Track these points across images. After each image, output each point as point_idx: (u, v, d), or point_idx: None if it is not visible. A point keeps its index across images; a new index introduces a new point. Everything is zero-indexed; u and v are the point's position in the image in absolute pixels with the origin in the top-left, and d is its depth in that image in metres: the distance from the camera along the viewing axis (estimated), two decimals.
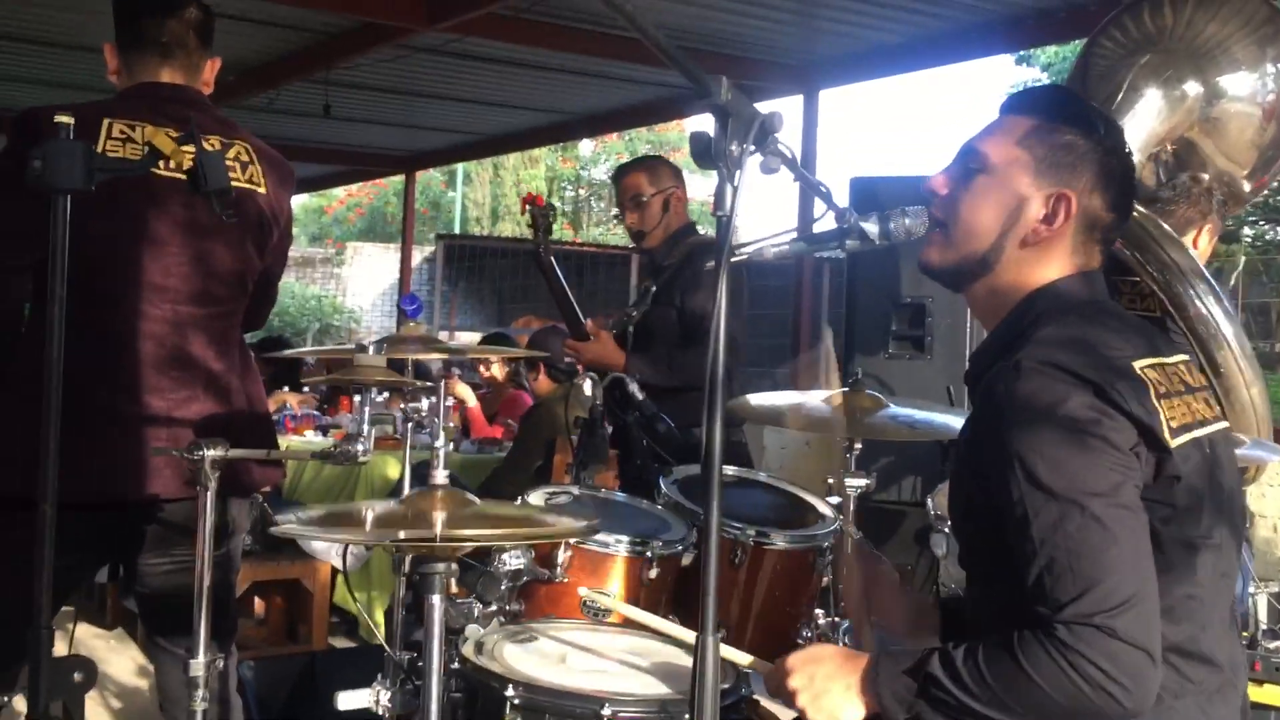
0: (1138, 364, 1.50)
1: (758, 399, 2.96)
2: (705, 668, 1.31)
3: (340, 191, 21.99)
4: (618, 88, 7.24)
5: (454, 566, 1.71)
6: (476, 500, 1.70)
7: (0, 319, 2.42)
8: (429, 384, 2.07)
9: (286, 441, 5.27)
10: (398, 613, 2.22)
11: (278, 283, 2.69)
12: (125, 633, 5.02)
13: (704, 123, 1.39)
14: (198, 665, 1.97)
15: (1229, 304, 2.47)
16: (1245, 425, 2.51)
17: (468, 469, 5.24)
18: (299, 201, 22.37)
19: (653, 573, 2.36)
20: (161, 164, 2.25)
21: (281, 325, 16.57)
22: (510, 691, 1.70)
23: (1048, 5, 5.22)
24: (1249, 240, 12.44)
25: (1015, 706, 1.40)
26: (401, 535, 1.67)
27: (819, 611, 2.63)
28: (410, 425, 2.37)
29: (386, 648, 2.03)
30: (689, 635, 1.75)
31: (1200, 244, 2.85)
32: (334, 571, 4.72)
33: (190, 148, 2.17)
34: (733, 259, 1.38)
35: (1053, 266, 1.63)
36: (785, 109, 1.45)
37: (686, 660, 1.67)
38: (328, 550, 4.56)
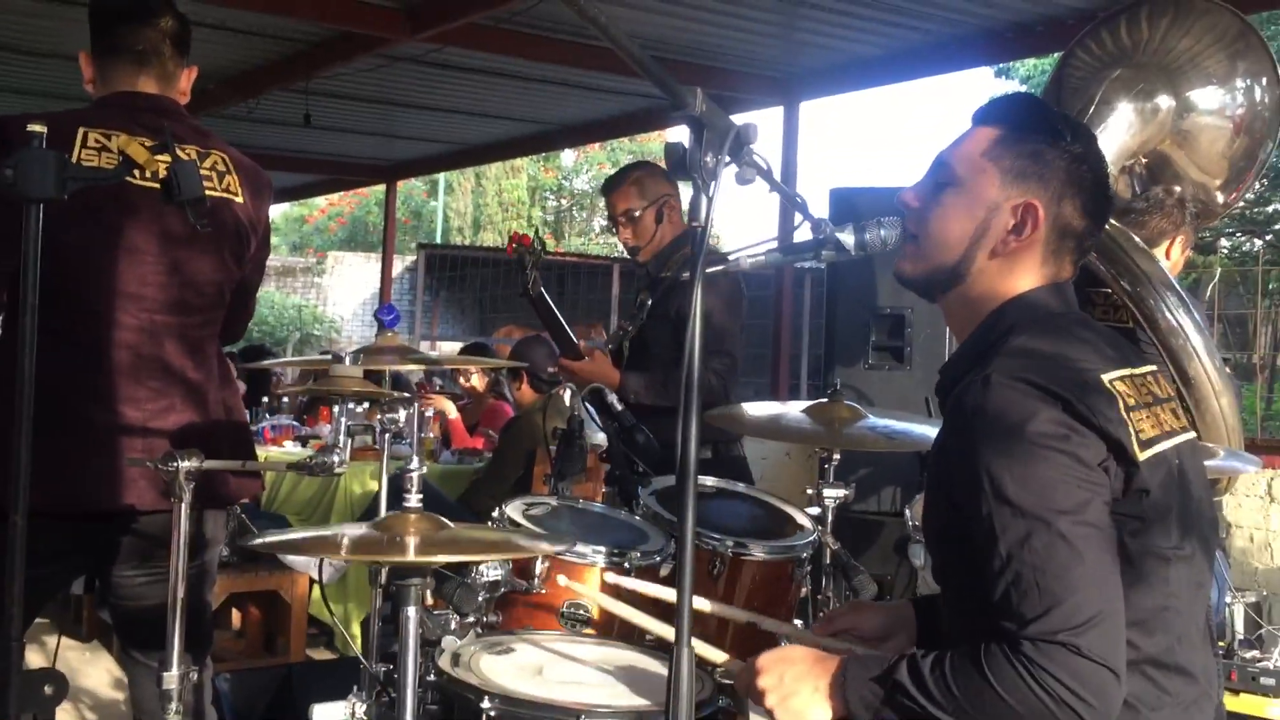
0: (1107, 376, 1.51)
1: (729, 409, 2.97)
2: (681, 679, 1.31)
3: (321, 201, 21.94)
4: (599, 98, 7.25)
5: (429, 579, 1.71)
6: (450, 524, 1.69)
7: None
8: (406, 395, 2.06)
9: (265, 452, 5.24)
10: (374, 624, 2.22)
11: (255, 293, 2.67)
12: (101, 644, 4.99)
13: (685, 133, 1.39)
14: (171, 678, 1.96)
15: (1200, 315, 2.49)
16: (1216, 436, 2.53)
17: (448, 479, 5.23)
18: (279, 210, 22.28)
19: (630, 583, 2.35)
20: (136, 173, 2.24)
21: (261, 335, 16.49)
22: (486, 703, 1.70)
23: (1025, 19, 5.25)
24: (1225, 252, 12.54)
25: (979, 718, 1.41)
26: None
27: (798, 622, 2.63)
28: (388, 436, 2.37)
29: (363, 660, 2.02)
30: (667, 630, 1.75)
31: (1173, 255, 2.88)
32: (312, 583, 4.69)
33: (165, 157, 2.16)
34: (709, 270, 1.39)
35: (1024, 277, 1.63)
36: (766, 120, 1.46)
37: (662, 671, 1.66)
38: (306, 562, 4.53)
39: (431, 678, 1.83)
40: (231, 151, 2.48)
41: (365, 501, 4.86)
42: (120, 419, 2.28)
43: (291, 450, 5.54)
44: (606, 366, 3.45)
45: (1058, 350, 1.52)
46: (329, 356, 2.12)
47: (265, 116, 7.69)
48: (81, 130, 2.27)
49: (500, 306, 16.53)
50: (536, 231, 3.43)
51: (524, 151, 10.87)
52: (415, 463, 1.67)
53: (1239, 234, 12.71)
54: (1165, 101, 2.66)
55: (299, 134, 8.19)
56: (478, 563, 2.11)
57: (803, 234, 1.71)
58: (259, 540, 1.80)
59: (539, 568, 2.29)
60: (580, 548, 2.31)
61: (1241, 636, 3.66)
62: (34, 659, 1.98)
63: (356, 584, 4.68)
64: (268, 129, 8.24)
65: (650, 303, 3.52)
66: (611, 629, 2.36)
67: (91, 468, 2.25)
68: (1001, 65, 13.78)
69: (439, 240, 21.53)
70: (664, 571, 2.43)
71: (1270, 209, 12.73)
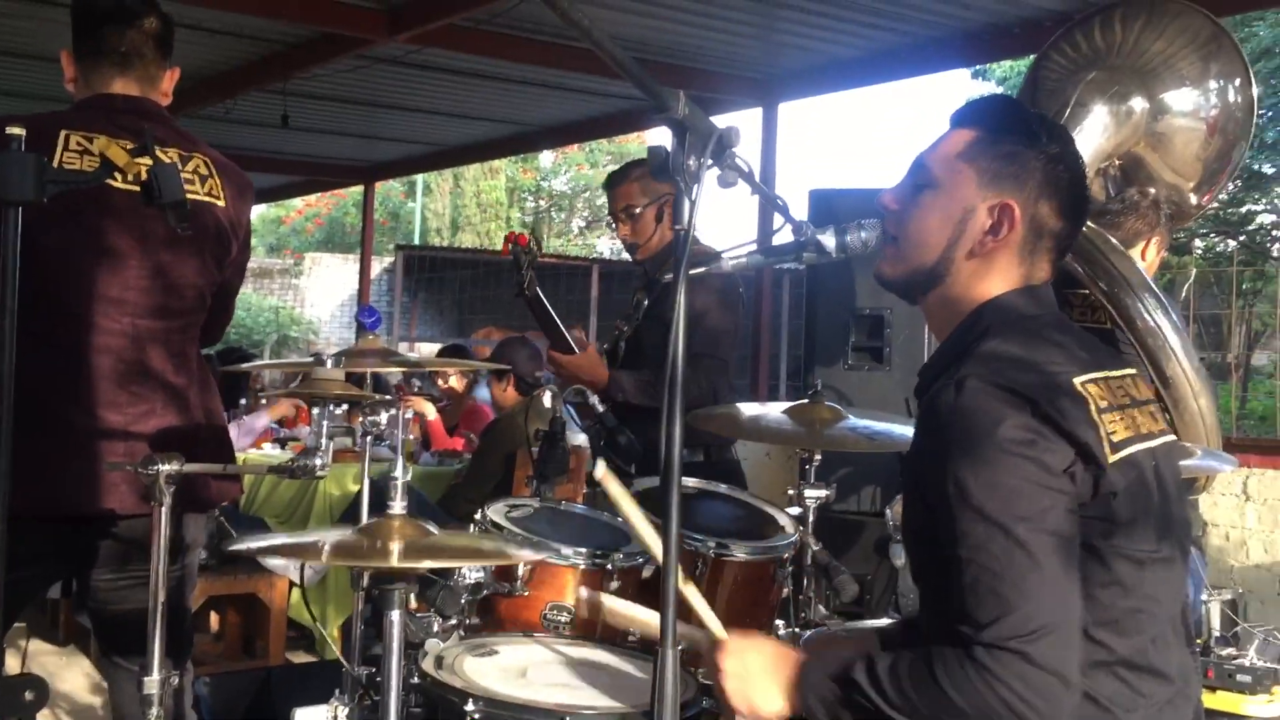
0: (1078, 379, 1.52)
1: (722, 410, 2.97)
2: (665, 680, 1.32)
3: (299, 202, 21.84)
4: (578, 99, 7.25)
5: (413, 583, 1.71)
6: (435, 530, 1.69)
7: None
8: (387, 398, 2.06)
9: (244, 455, 5.22)
10: (356, 627, 2.21)
11: (235, 296, 2.66)
12: (78, 649, 4.95)
13: (666, 135, 1.40)
14: (152, 682, 1.95)
15: (1177, 316, 2.51)
16: (1195, 435, 2.55)
17: (428, 481, 5.22)
18: (256, 211, 22.10)
19: (613, 585, 2.36)
20: (119, 176, 2.23)
21: (239, 337, 16.40)
22: (470, 706, 1.70)
23: (1002, 21, 5.29)
24: (1200, 252, 12.64)
25: (931, 719, 1.43)
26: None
27: (779, 622, 2.64)
28: (368, 439, 2.37)
29: (345, 663, 2.02)
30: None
31: (1149, 256, 2.90)
32: (291, 586, 4.67)
33: (145, 160, 2.15)
34: (692, 271, 1.40)
35: (1001, 277, 1.64)
36: (744, 121, 1.47)
37: (646, 673, 1.67)
38: (285, 565, 4.52)
39: (415, 680, 1.83)
40: (214, 154, 2.47)
41: (345, 504, 4.84)
42: (102, 423, 2.27)
43: (270, 453, 5.52)
44: (597, 363, 3.42)
45: (1029, 354, 1.54)
46: (311, 359, 2.12)
47: (243, 117, 7.65)
48: (64, 133, 2.26)
49: (479, 308, 16.49)
50: (533, 231, 3.40)
51: (503, 153, 10.86)
52: (400, 469, 1.67)
53: (1213, 235, 12.82)
54: (1139, 104, 2.68)
55: (277, 135, 8.15)
56: (462, 566, 2.11)
57: (783, 236, 1.72)
58: (242, 545, 1.80)
59: (521, 570, 2.29)
60: (563, 549, 2.32)
61: (1218, 634, 3.69)
62: (8, 663, 1.96)
63: (336, 587, 4.66)
64: (245, 130, 8.20)
65: (647, 303, 3.49)
66: (594, 631, 2.36)
67: (72, 471, 2.24)
68: (978, 67, 13.86)
69: (417, 241, 21.47)
70: (646, 574, 2.43)
71: (1244, 210, 12.84)
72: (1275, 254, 13.15)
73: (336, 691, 1.98)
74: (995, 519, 1.42)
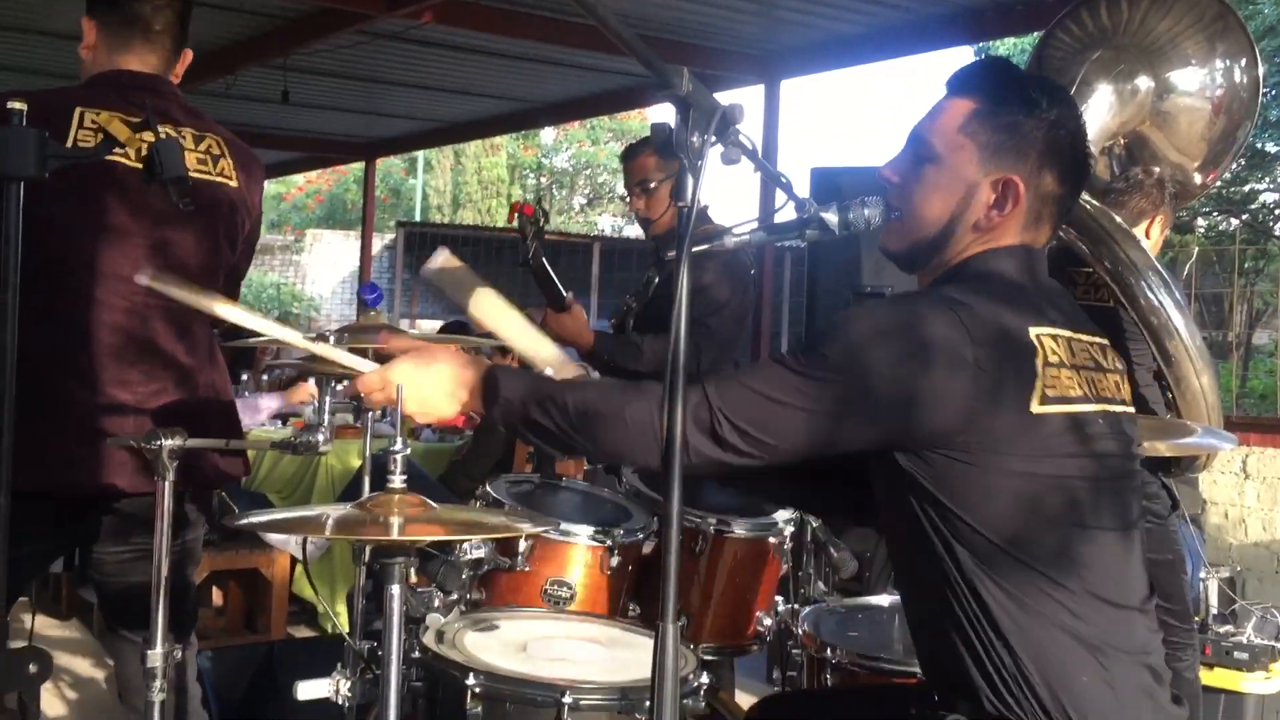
0: (1035, 330, 1.54)
1: None
2: (665, 654, 1.32)
3: (299, 178, 21.75)
4: (580, 76, 7.22)
5: (413, 557, 1.72)
6: (434, 504, 1.70)
7: None
8: None
9: (246, 432, 5.22)
10: (358, 602, 2.22)
11: (243, 278, 2.67)
12: (80, 623, 4.98)
13: (667, 112, 1.39)
14: (155, 656, 1.96)
15: (1180, 295, 2.50)
16: (1196, 413, 2.55)
17: (429, 458, 5.23)
18: None
19: (614, 561, 2.37)
20: (131, 153, 2.22)
21: None
22: (471, 680, 1.71)
23: None
24: (1202, 231, 12.62)
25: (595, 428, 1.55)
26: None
27: (779, 598, 2.65)
28: (370, 415, 2.37)
29: (346, 637, 2.03)
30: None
31: (1152, 235, 2.90)
32: (293, 561, 4.69)
33: (148, 135, 2.14)
34: (695, 249, 1.40)
35: (995, 240, 1.65)
36: (746, 98, 1.47)
37: (646, 646, 1.68)
38: (287, 540, 4.53)
39: (416, 655, 1.84)
40: (226, 134, 2.47)
41: (346, 479, 4.85)
42: (107, 399, 2.27)
43: (272, 428, 5.53)
44: (582, 324, 3.40)
45: (986, 301, 1.55)
46: (313, 336, 2.11)
47: (243, 93, 7.62)
48: (79, 110, 2.25)
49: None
50: (539, 201, 3.39)
51: (504, 129, 10.83)
52: (400, 444, 1.68)
53: (1216, 213, 12.80)
54: (1145, 83, 2.67)
55: (277, 111, 8.12)
56: (462, 541, 2.12)
57: (786, 213, 1.71)
58: (245, 520, 1.81)
59: (522, 545, 2.30)
60: (564, 525, 2.33)
61: (1215, 611, 3.72)
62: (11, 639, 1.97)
63: (338, 562, 4.68)
64: (245, 106, 8.17)
65: (657, 280, 3.48)
66: (594, 606, 2.37)
67: (77, 448, 2.25)
68: (982, 44, 13.80)
69: (418, 218, 21.42)
70: (647, 549, 2.45)
71: (1247, 189, 12.81)
72: (1278, 233, 13.13)
73: (338, 665, 1.99)
74: (835, 360, 1.49)
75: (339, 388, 2.13)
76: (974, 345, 1.48)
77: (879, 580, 3.85)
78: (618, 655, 1.95)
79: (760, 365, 1.57)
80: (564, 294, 3.37)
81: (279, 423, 5.71)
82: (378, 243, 16.77)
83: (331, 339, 1.92)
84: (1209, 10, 2.67)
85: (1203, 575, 3.74)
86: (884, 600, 2.63)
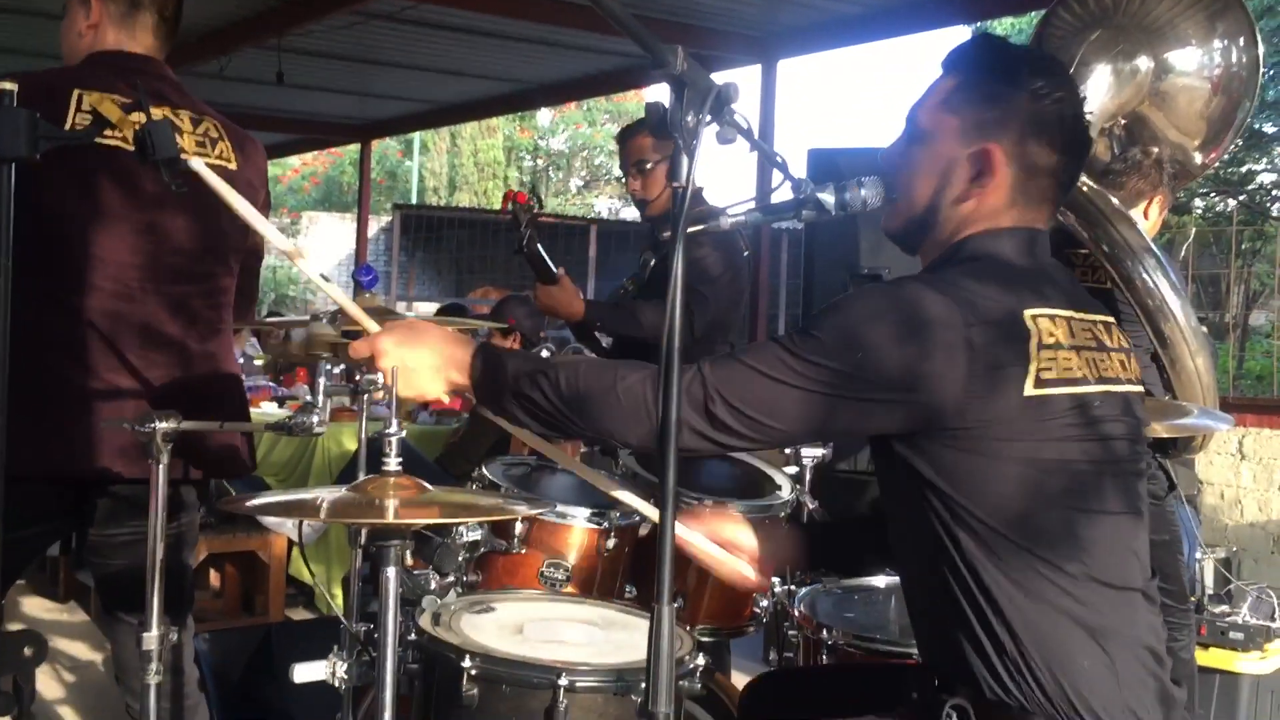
0: (1030, 311, 1.53)
1: None
2: (661, 636, 1.32)
3: (295, 160, 21.68)
4: (576, 57, 7.19)
5: (409, 540, 1.71)
6: (429, 487, 1.70)
7: None
8: None
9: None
10: (354, 584, 2.22)
11: (260, 262, 2.66)
12: (78, 605, 4.98)
13: (664, 93, 1.38)
14: (151, 639, 1.96)
15: (1176, 277, 2.50)
16: (1191, 394, 2.55)
17: (425, 440, 5.23)
18: None
19: (610, 543, 2.37)
20: (127, 136, 2.21)
21: None
22: (467, 662, 1.71)
23: None
24: (1200, 211, 12.61)
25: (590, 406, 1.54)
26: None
27: (775, 580, 2.65)
28: (366, 397, 2.36)
29: (343, 619, 2.03)
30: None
31: (1151, 215, 2.89)
32: (290, 543, 4.70)
33: (139, 116, 2.13)
34: (691, 230, 1.39)
35: (991, 221, 1.63)
36: (743, 79, 1.45)
37: (642, 628, 1.68)
38: (283, 522, 4.53)
39: (412, 637, 1.84)
40: (222, 118, 2.46)
41: (343, 462, 4.85)
42: (108, 384, 2.26)
43: (269, 411, 5.52)
44: (573, 294, 3.39)
45: (983, 284, 1.54)
46: (307, 318, 2.11)
47: (237, 74, 7.58)
48: (76, 92, 2.23)
49: (476, 267, 16.44)
50: (533, 188, 3.38)
51: (500, 111, 10.80)
52: (394, 426, 1.67)
53: (1213, 194, 12.79)
54: (1144, 63, 2.65)
55: (272, 92, 8.08)
56: (458, 523, 2.12)
57: (782, 194, 1.70)
58: (242, 503, 1.80)
59: (518, 528, 2.30)
60: (561, 507, 2.32)
61: (1211, 592, 3.72)
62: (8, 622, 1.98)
63: (335, 545, 4.69)
64: (240, 87, 8.13)
65: (654, 262, 3.47)
66: (591, 588, 2.37)
67: (77, 432, 2.24)
68: (979, 24, 13.75)
69: (414, 200, 21.37)
70: (643, 531, 2.45)
71: (1244, 169, 12.79)
72: (1275, 213, 13.12)
73: (335, 648, 1.99)
74: (829, 344, 1.48)
75: (335, 370, 2.12)
76: (967, 327, 1.47)
77: (876, 562, 3.85)
78: (614, 637, 1.95)
79: (757, 346, 1.56)
80: (554, 270, 3.36)
81: (276, 404, 5.71)
82: (374, 225, 16.74)
83: (325, 319, 1.91)
84: None
85: (1199, 556, 3.75)
86: (880, 581, 2.63)
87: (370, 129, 10.34)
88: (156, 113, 2.27)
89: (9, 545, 1.65)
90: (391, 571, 1.69)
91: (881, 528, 1.74)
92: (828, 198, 1.65)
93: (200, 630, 3.31)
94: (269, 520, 4.54)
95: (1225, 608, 3.60)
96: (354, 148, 11.81)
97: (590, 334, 3.44)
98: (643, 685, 1.34)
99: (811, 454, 2.68)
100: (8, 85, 1.67)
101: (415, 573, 1.96)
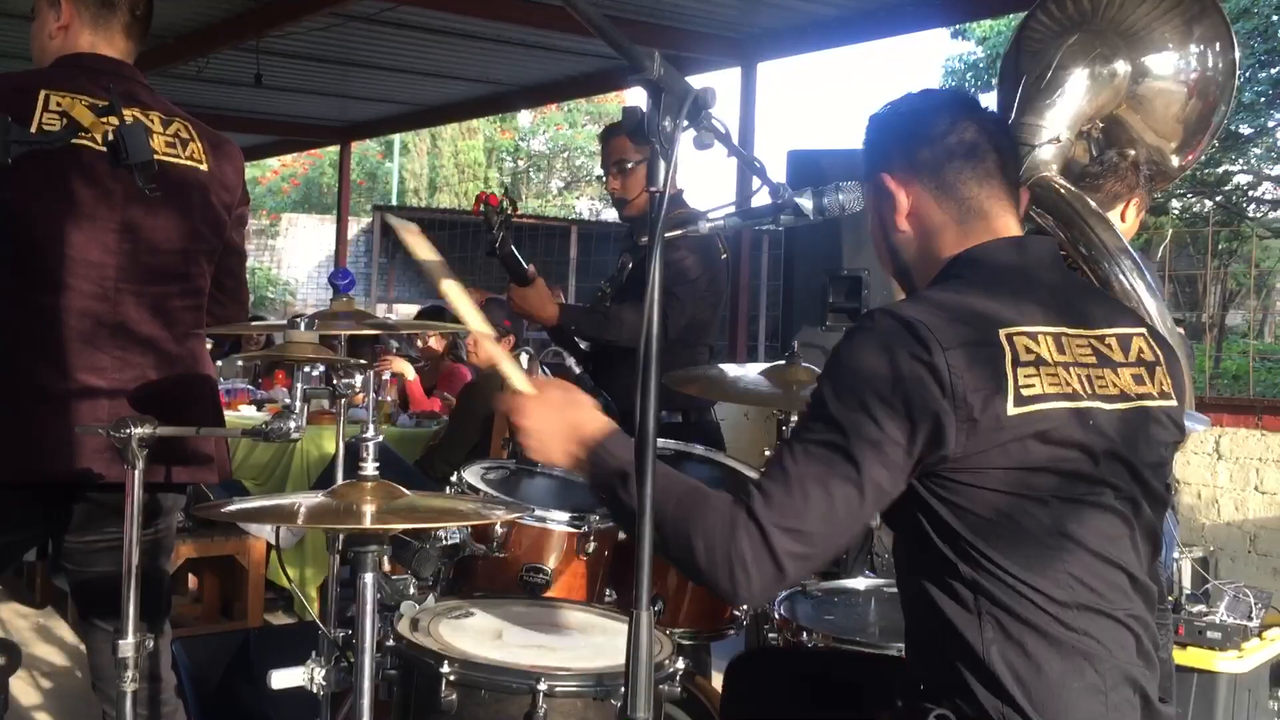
0: (1006, 330, 1.52)
1: (700, 371, 2.97)
2: (640, 641, 1.32)
3: (274, 162, 21.59)
4: (556, 59, 7.19)
5: (386, 545, 1.71)
6: (407, 492, 1.69)
7: None
8: (363, 361, 2.04)
9: None
10: (333, 589, 2.21)
11: (243, 261, 2.65)
12: (55, 611, 4.94)
13: (643, 95, 1.38)
14: (126, 646, 1.94)
15: (1152, 278, 2.51)
16: None
17: (405, 443, 5.21)
18: None
19: (590, 546, 2.36)
20: (98, 137, 2.19)
21: None
22: (445, 668, 1.70)
23: None
24: (1177, 213, 12.70)
25: (668, 534, 1.50)
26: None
27: None
28: (344, 401, 2.35)
29: (321, 625, 2.02)
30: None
31: (1128, 217, 2.90)
32: (269, 548, 4.67)
33: (112, 119, 2.11)
34: (667, 234, 1.38)
35: (946, 238, 1.65)
36: (723, 81, 1.45)
37: (621, 633, 1.68)
38: (262, 526, 4.50)
39: (390, 642, 1.83)
40: (194, 120, 2.45)
41: (322, 466, 4.83)
42: (81, 386, 2.24)
43: (248, 414, 5.49)
44: (547, 297, 3.38)
45: (964, 299, 1.54)
46: (285, 322, 2.09)
47: (215, 76, 7.55)
48: (44, 93, 2.22)
49: (457, 269, 16.24)
50: (506, 191, 3.38)
51: (481, 112, 10.79)
52: (371, 431, 1.66)
53: (1190, 195, 12.88)
54: (1122, 67, 2.66)
55: (250, 94, 8.05)
56: (436, 528, 2.11)
57: (761, 198, 1.71)
58: (219, 509, 1.79)
59: (498, 531, 2.29)
60: (540, 510, 2.32)
61: (1188, 591, 3.74)
62: None
63: (314, 549, 4.66)
64: (218, 89, 8.10)
65: (630, 265, 3.46)
66: (570, 592, 2.37)
67: (50, 435, 2.22)
68: (958, 27, 13.80)
69: (395, 202, 21.30)
70: (623, 535, 2.44)
71: (1220, 170, 12.89)
72: (1251, 214, 13.22)
73: (313, 653, 1.98)
74: (835, 418, 1.48)
75: (314, 374, 2.11)
76: (946, 357, 1.46)
77: (856, 564, 3.86)
78: (594, 641, 1.94)
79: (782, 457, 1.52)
80: (527, 273, 3.35)
81: (255, 407, 5.69)
82: (354, 226, 16.68)
83: (302, 324, 1.90)
84: None
85: (1176, 556, 3.77)
86: (860, 584, 2.64)
87: (350, 131, 10.31)
88: (128, 115, 2.25)
89: None
90: (369, 577, 1.68)
91: None
92: (806, 203, 1.66)
93: (178, 635, 3.29)
94: (248, 524, 4.51)
95: (1202, 607, 3.62)
96: (334, 149, 11.77)
97: (567, 337, 3.43)
98: (622, 690, 1.34)
99: None
100: None
101: (394, 578, 1.95)
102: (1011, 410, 1.48)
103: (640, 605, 1.31)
